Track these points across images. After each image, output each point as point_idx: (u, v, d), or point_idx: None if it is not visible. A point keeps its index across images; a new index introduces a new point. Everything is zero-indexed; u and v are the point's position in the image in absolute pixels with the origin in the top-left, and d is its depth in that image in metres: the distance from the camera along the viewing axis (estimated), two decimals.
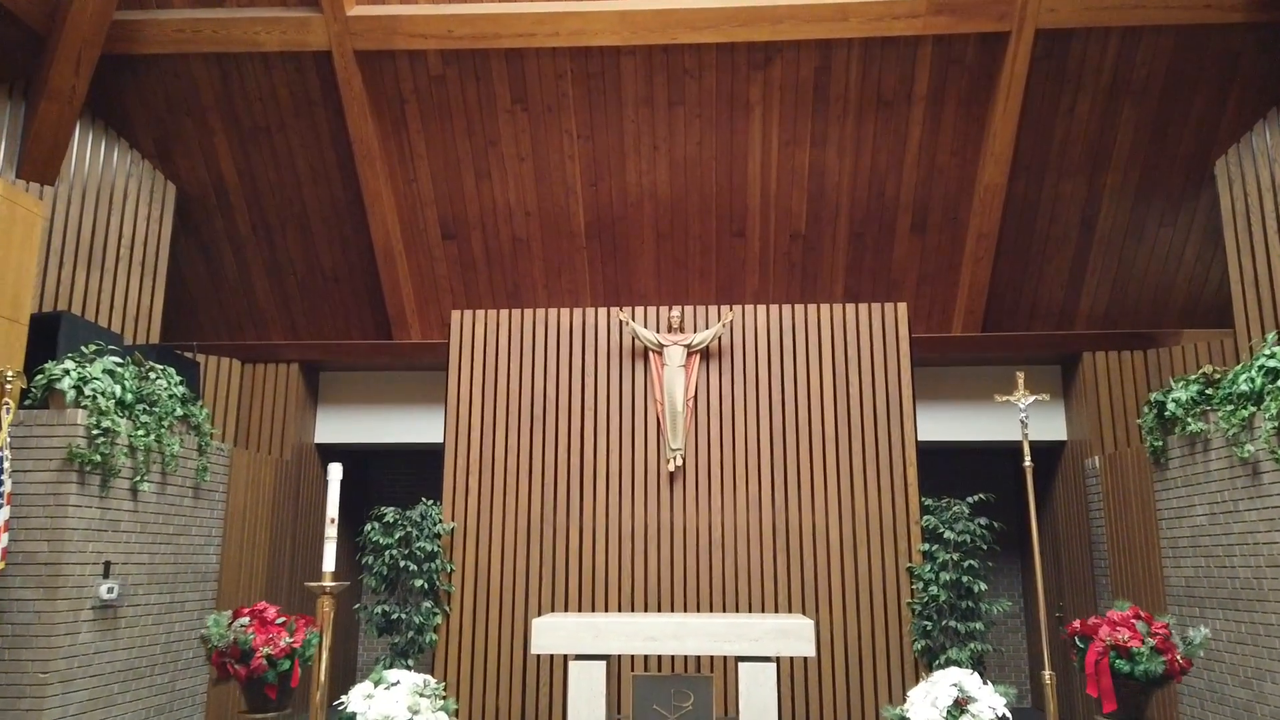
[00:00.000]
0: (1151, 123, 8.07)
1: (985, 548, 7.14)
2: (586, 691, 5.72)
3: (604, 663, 5.75)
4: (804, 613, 7.34)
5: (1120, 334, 8.57)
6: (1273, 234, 7.58)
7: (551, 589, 7.53)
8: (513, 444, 7.80)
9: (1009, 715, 4.30)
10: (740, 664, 5.69)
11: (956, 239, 8.73)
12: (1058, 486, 8.97)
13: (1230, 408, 5.94)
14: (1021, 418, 5.39)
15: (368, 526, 7.47)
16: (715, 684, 5.88)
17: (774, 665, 5.66)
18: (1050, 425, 8.87)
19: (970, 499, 7.31)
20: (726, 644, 5.73)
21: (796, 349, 7.84)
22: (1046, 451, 9.19)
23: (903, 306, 7.88)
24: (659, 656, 7.29)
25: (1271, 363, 5.58)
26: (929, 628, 7.04)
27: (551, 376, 7.92)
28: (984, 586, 7.02)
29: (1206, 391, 6.40)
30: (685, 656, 7.23)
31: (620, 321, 7.90)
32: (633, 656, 7.30)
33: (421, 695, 4.57)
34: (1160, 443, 6.87)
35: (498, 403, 7.90)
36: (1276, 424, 5.45)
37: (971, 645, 6.88)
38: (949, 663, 6.86)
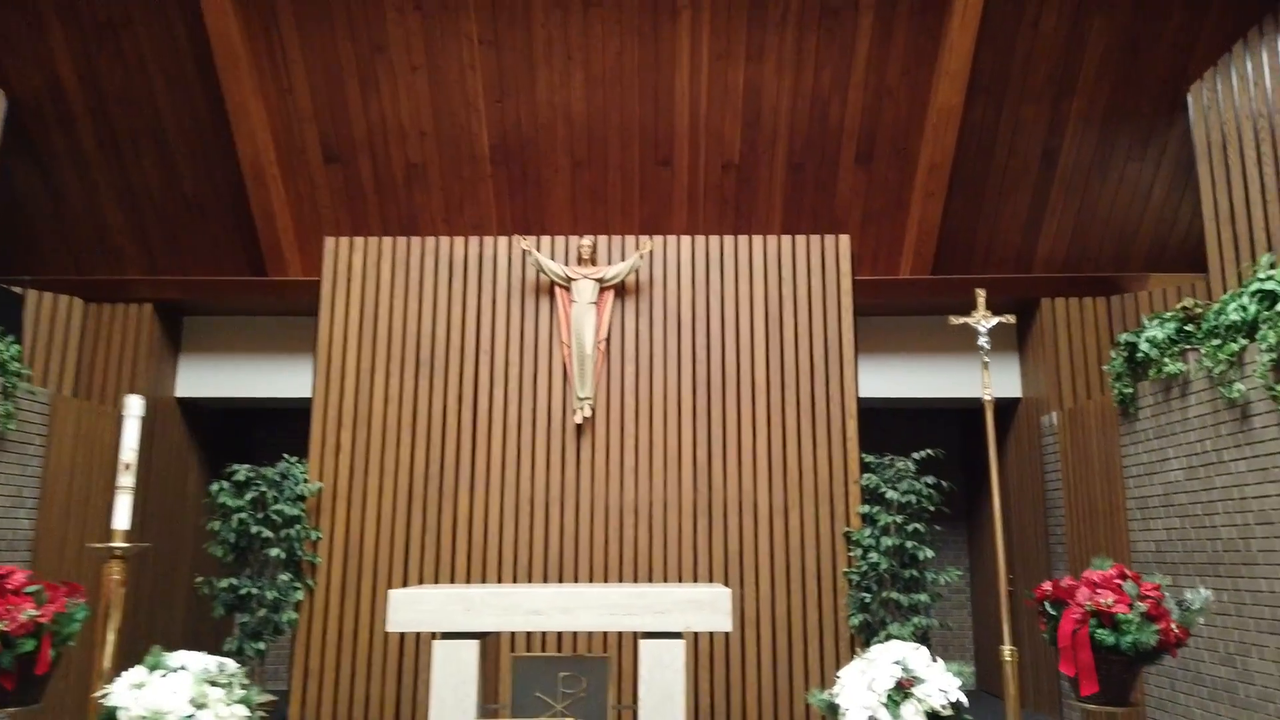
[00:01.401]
0: (1122, 40, 7.24)
1: (932, 509, 6.26)
2: (454, 677, 4.68)
3: (476, 642, 4.72)
4: (728, 584, 6.38)
5: (1082, 279, 7.77)
6: (1250, 166, 6.80)
7: (436, 560, 6.46)
8: (394, 392, 6.70)
9: (964, 699, 3.38)
10: (641, 641, 4.71)
11: (906, 171, 7.83)
12: (1011, 448, 8.15)
13: (1217, 342, 5.11)
14: (981, 342, 4.48)
15: (214, 486, 6.32)
16: (613, 666, 4.92)
17: (682, 643, 4.68)
18: (1004, 380, 8.03)
19: (916, 455, 6.42)
20: (626, 618, 4.74)
21: (725, 286, 6.87)
22: (999, 410, 8.36)
23: (845, 239, 6.96)
24: (559, 635, 6.29)
25: (1269, 285, 4.75)
26: (867, 600, 6.14)
27: (441, 314, 6.83)
28: (930, 553, 6.14)
29: (1186, 328, 5.57)
30: (584, 635, 6.24)
31: (523, 251, 6.83)
32: (527, 636, 6.30)
33: (213, 684, 3.50)
34: (1130, 390, 6.04)
35: (378, 344, 6.79)
36: (1275, 356, 4.61)
37: (915, 620, 6.00)
38: (889, 639, 5.95)
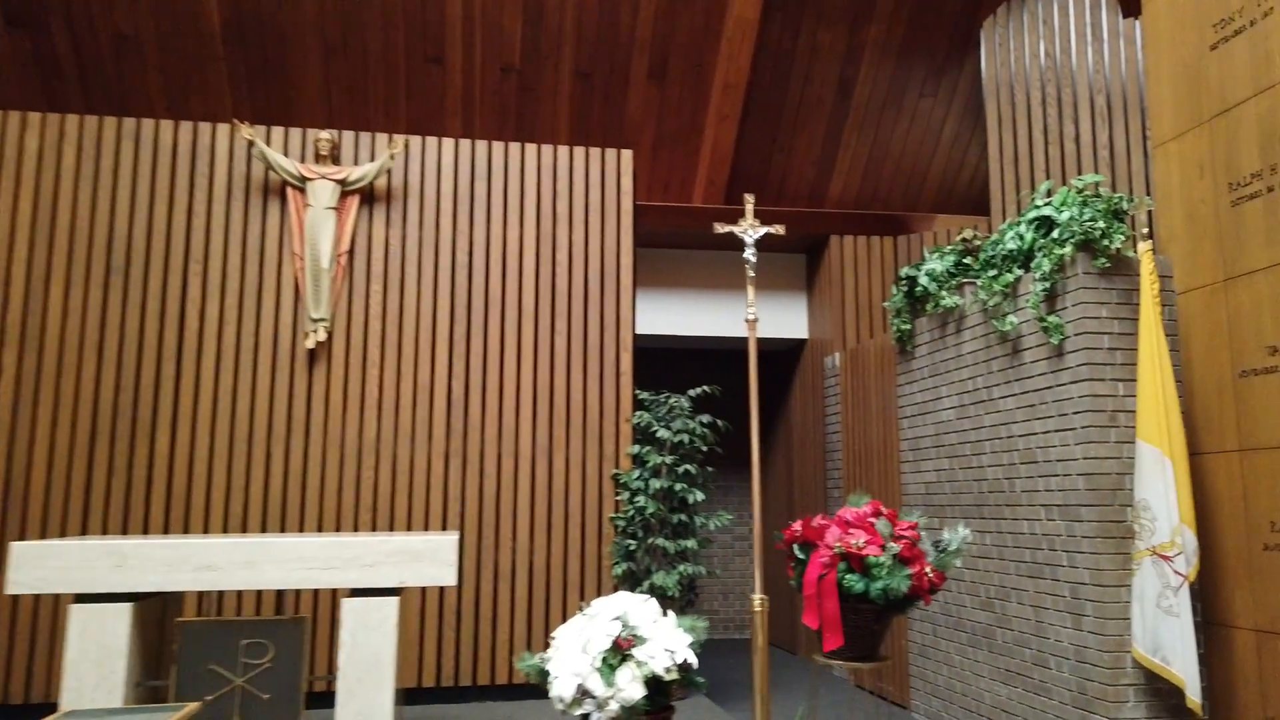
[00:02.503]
0: None
1: (706, 449, 5.80)
2: (95, 649, 3.73)
3: (128, 606, 3.78)
4: (483, 533, 5.68)
5: (871, 216, 7.54)
6: (1035, 107, 6.69)
7: (124, 510, 5.36)
8: (75, 304, 5.47)
9: (692, 659, 2.82)
10: (344, 601, 3.94)
11: (700, 92, 7.26)
12: (795, 391, 7.89)
13: (992, 273, 4.84)
14: (748, 255, 3.95)
15: None
16: (309, 630, 4.12)
17: (394, 601, 3.94)
18: (791, 322, 7.74)
19: (692, 392, 5.93)
20: (324, 573, 3.94)
21: (493, 197, 6.06)
22: (785, 353, 8.09)
23: (627, 154, 6.31)
24: (279, 597, 5.38)
25: (1046, 211, 4.49)
26: (633, 548, 5.61)
27: (141, 212, 5.63)
28: (700, 496, 5.68)
29: (965, 261, 5.31)
30: (294, 595, 5.37)
31: (247, 142, 5.72)
32: (232, 599, 5.35)
33: None
34: (908, 326, 5.77)
35: (55, 245, 5.51)
36: (1047, 286, 4.36)
37: (681, 568, 5.53)
38: (652, 590, 5.47)
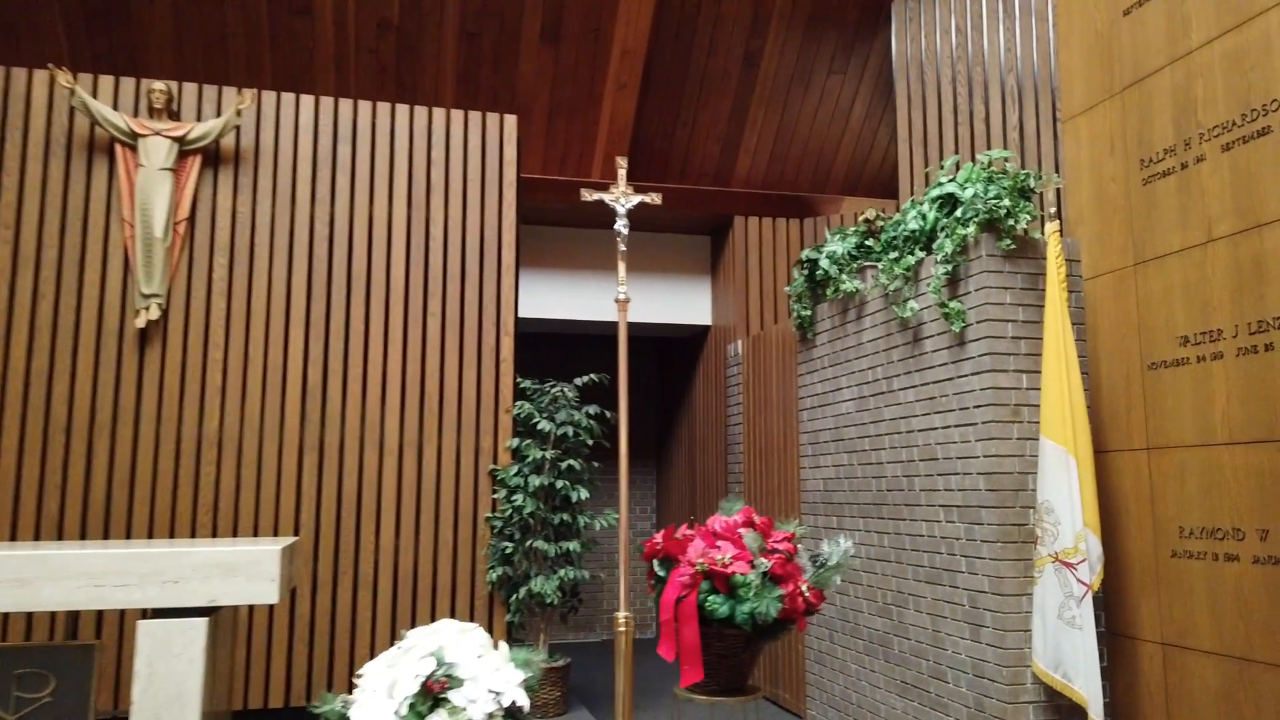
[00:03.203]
0: None
1: (592, 443, 5.34)
2: None
3: None
4: (341, 535, 5.11)
5: (776, 197, 7.17)
6: (945, 85, 6.39)
7: None
8: None
9: (523, 700, 2.35)
10: (140, 624, 3.34)
11: (599, 58, 6.77)
12: (698, 381, 7.49)
13: (893, 255, 4.48)
14: (619, 226, 3.48)
15: None
16: (101, 657, 3.53)
17: (203, 623, 3.36)
18: (693, 307, 7.33)
19: (579, 380, 5.46)
20: (116, 590, 3.31)
21: (359, 162, 5.45)
22: (688, 340, 7.68)
23: (511, 119, 5.77)
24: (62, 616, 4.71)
25: (950, 188, 4.14)
26: (509, 550, 5.12)
27: None
28: (585, 494, 5.22)
29: (867, 243, 4.96)
30: (69, 615, 4.72)
31: (68, 91, 4.99)
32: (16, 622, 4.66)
33: None
34: (809, 312, 5.41)
35: None
36: (949, 269, 4.01)
37: (562, 572, 5.06)
38: (530, 596, 4.99)
